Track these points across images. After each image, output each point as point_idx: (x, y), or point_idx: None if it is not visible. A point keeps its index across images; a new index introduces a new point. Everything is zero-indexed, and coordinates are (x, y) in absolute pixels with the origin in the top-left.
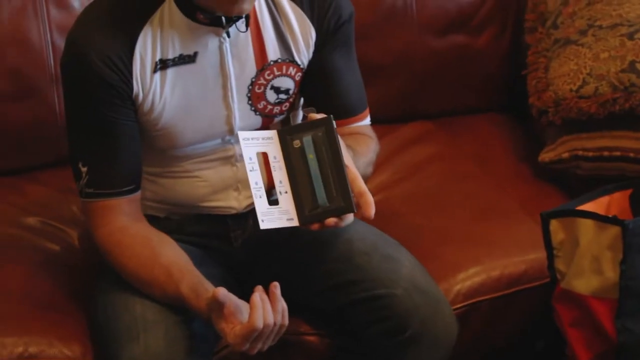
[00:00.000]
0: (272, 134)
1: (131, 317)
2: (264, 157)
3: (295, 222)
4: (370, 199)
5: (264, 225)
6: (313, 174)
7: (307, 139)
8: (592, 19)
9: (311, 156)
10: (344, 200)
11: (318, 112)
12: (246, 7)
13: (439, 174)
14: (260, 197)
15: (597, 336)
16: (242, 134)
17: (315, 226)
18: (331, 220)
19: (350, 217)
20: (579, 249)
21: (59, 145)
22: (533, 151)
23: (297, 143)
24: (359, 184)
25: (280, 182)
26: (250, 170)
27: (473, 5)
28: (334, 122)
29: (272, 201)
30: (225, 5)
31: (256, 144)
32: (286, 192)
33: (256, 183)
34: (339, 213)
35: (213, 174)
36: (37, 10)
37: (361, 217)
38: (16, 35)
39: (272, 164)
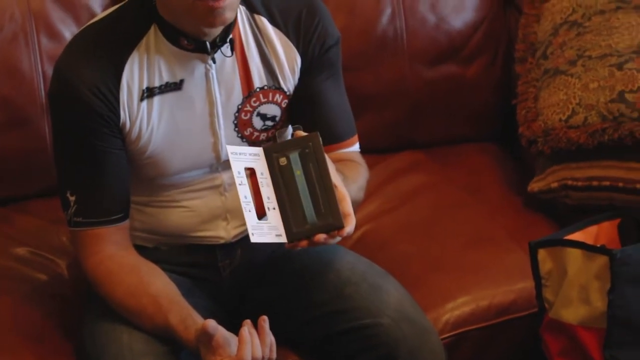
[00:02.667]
0: (259, 150)
1: (118, 347)
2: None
3: (283, 239)
4: (353, 222)
5: (254, 238)
6: (301, 190)
7: (294, 156)
8: (582, 49)
9: (298, 172)
10: (332, 216)
11: None
12: (228, 15)
13: (429, 203)
14: (250, 211)
15: None
16: (230, 148)
17: (304, 243)
18: (320, 237)
19: (343, 232)
20: (567, 278)
21: (49, 175)
22: (523, 180)
23: (283, 161)
24: (346, 206)
25: (268, 198)
26: (239, 184)
27: (464, 35)
28: (320, 139)
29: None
30: (207, 18)
31: (244, 159)
32: (274, 209)
33: (245, 197)
34: (328, 230)
35: (201, 204)
36: (28, 40)
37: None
38: (7, 64)
39: (259, 180)
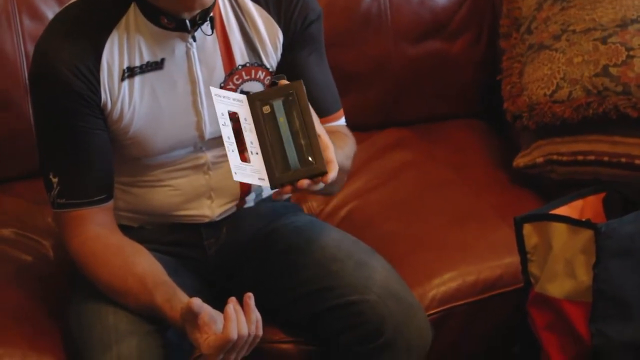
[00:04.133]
0: (242, 97)
1: (104, 328)
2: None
3: (266, 183)
4: (336, 167)
5: (237, 177)
6: (284, 136)
7: (278, 103)
8: (566, 23)
9: (282, 119)
10: (316, 162)
11: None
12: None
13: (415, 180)
14: (233, 151)
15: (571, 340)
16: (214, 90)
17: (287, 189)
18: (303, 182)
19: (327, 178)
20: (552, 253)
21: (34, 156)
22: (509, 156)
23: (266, 109)
24: (330, 153)
25: (252, 142)
26: (223, 125)
27: (448, 11)
28: (304, 87)
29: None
30: (185, 2)
31: (228, 103)
32: (257, 153)
33: (228, 137)
34: (311, 175)
35: (185, 183)
36: (10, 21)
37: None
38: None
39: (242, 125)
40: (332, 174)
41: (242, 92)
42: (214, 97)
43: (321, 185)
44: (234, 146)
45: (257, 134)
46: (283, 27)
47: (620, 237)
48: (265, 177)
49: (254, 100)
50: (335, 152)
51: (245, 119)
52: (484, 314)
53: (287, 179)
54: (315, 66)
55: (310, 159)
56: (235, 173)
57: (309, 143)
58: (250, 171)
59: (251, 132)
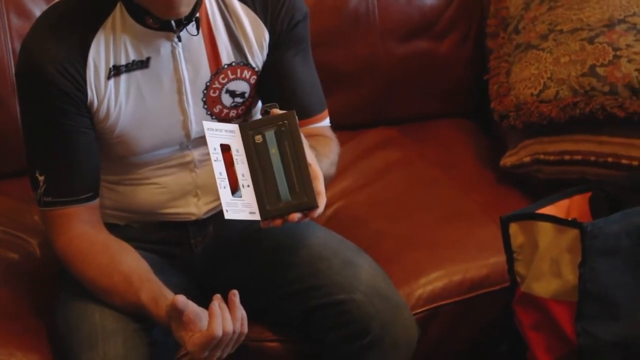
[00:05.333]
0: (235, 127)
1: (90, 326)
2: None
3: (257, 216)
4: (324, 201)
5: (228, 215)
6: (275, 168)
7: (270, 134)
8: (553, 23)
9: (274, 150)
10: (306, 195)
11: None
12: (183, 10)
13: (403, 179)
14: (224, 187)
15: (558, 339)
16: (206, 124)
17: (278, 222)
18: (294, 216)
19: (314, 213)
20: (539, 252)
21: (21, 154)
22: (496, 156)
23: (258, 138)
24: (319, 184)
25: (243, 175)
26: (215, 160)
27: (436, 11)
28: (296, 118)
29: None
30: (161, 9)
31: (220, 136)
32: (249, 186)
33: (220, 173)
34: (302, 209)
35: (172, 181)
36: None
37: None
38: None
39: (234, 157)
40: (321, 208)
41: (227, 90)
42: (207, 132)
43: (312, 217)
44: (226, 182)
45: (249, 165)
46: (269, 27)
47: (606, 236)
48: (256, 210)
49: (246, 129)
50: (321, 162)
51: (237, 151)
52: (470, 313)
53: (277, 213)
54: (301, 66)
55: (301, 191)
56: (227, 211)
57: (300, 175)
58: (242, 206)
59: (243, 163)
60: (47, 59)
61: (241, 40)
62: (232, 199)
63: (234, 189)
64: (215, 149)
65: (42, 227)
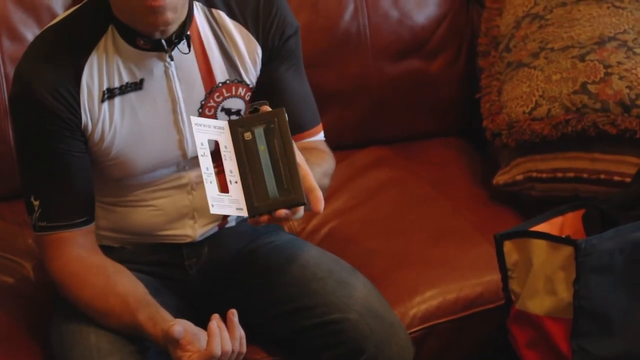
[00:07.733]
0: (224, 124)
1: (85, 347)
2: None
3: (244, 212)
4: (319, 195)
5: (213, 210)
6: (264, 165)
7: (259, 131)
8: (544, 41)
9: (262, 147)
10: (294, 192)
11: None
12: (169, 16)
13: (395, 198)
14: (211, 182)
15: (553, 357)
16: (194, 119)
17: (265, 218)
18: (281, 212)
19: (301, 211)
20: (533, 269)
21: (14, 178)
22: (488, 174)
23: (248, 135)
24: (310, 180)
25: (231, 171)
26: (202, 155)
27: (427, 30)
28: (286, 115)
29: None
30: (148, 18)
31: (208, 131)
32: (236, 182)
33: (207, 168)
34: (290, 205)
35: (168, 203)
36: None
37: (310, 212)
38: None
39: (222, 153)
40: (321, 205)
41: (223, 109)
42: (194, 127)
43: (300, 214)
44: (213, 177)
45: (237, 162)
46: (261, 43)
47: (600, 253)
48: (244, 206)
49: (235, 126)
50: (313, 170)
51: (226, 147)
52: (465, 331)
53: (265, 209)
54: (294, 81)
55: (289, 188)
56: (212, 205)
57: (288, 172)
58: (229, 202)
59: (231, 160)
60: (40, 83)
61: (234, 57)
62: (219, 195)
63: (223, 188)
64: (202, 144)
65: (36, 250)
